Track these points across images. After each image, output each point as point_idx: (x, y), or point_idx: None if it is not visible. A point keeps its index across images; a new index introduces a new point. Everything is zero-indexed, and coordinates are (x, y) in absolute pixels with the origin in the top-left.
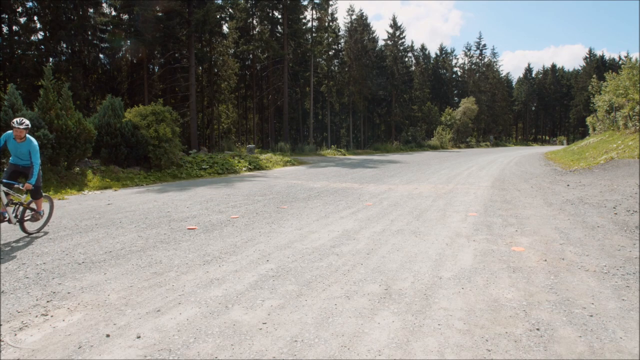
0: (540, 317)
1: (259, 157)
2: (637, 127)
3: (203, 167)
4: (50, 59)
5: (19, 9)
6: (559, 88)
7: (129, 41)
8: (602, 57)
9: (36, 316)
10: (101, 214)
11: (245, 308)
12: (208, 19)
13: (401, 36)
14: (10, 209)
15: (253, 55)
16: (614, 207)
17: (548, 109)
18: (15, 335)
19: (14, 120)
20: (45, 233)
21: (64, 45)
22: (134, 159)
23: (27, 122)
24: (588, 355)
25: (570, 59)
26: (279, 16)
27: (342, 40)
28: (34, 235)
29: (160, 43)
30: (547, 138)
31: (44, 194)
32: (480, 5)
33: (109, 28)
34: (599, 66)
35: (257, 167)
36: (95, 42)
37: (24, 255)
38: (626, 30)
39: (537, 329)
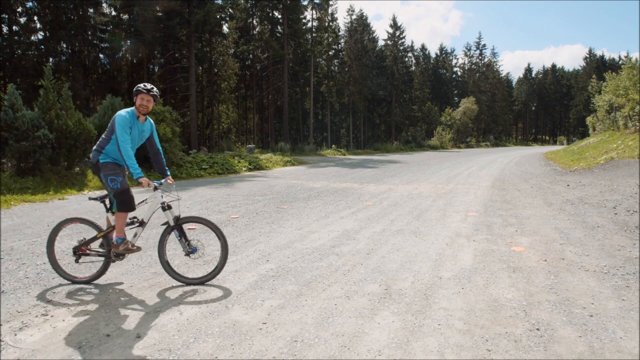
0: (540, 317)
1: (259, 157)
2: (637, 127)
3: (203, 167)
4: (50, 59)
5: (19, 9)
6: (559, 88)
7: (129, 41)
8: (602, 57)
9: (36, 316)
10: (101, 214)
11: (245, 308)
12: (208, 19)
13: (401, 36)
14: (134, 232)
15: (253, 55)
16: (614, 207)
17: (548, 109)
18: (15, 335)
19: (141, 85)
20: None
21: (64, 45)
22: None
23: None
24: (588, 355)
25: (570, 59)
26: (279, 16)
27: (342, 40)
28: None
29: (160, 43)
30: (547, 138)
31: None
32: (480, 5)
33: (109, 28)
34: (599, 66)
35: (257, 167)
36: (95, 42)
37: (24, 255)
38: (626, 30)
39: (537, 329)
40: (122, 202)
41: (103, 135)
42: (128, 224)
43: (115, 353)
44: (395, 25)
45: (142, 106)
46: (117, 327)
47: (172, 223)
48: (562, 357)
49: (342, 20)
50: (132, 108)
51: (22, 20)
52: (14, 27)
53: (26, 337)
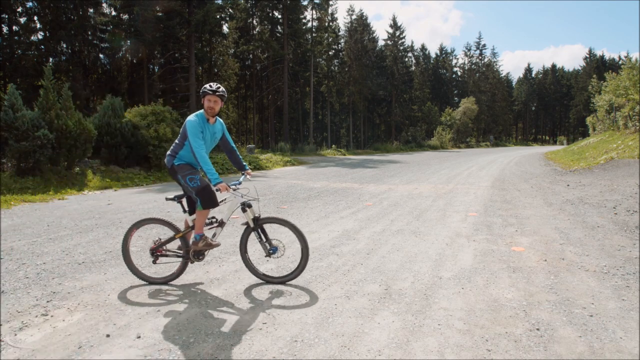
0: (540, 317)
1: (259, 157)
2: (637, 127)
3: None
4: (50, 59)
5: (19, 9)
6: (559, 88)
7: (129, 41)
8: (602, 57)
9: (36, 316)
10: (101, 214)
11: (245, 308)
12: (208, 19)
13: (401, 36)
14: (213, 231)
15: (253, 55)
16: (614, 207)
17: (548, 109)
18: (15, 335)
19: (206, 86)
20: None
21: (64, 45)
22: (134, 159)
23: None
24: (588, 355)
25: (570, 59)
26: (279, 16)
27: (342, 40)
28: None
29: (160, 43)
30: (547, 138)
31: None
32: (480, 5)
33: (109, 28)
34: (599, 66)
35: (257, 167)
36: (95, 42)
37: (24, 255)
38: (626, 30)
39: (537, 329)
40: (205, 199)
41: (176, 141)
42: (207, 224)
43: (115, 353)
44: (395, 25)
45: (210, 108)
46: (117, 327)
47: (251, 224)
48: (562, 357)
49: (342, 20)
50: (202, 111)
51: (22, 20)
52: (14, 27)
53: (26, 337)
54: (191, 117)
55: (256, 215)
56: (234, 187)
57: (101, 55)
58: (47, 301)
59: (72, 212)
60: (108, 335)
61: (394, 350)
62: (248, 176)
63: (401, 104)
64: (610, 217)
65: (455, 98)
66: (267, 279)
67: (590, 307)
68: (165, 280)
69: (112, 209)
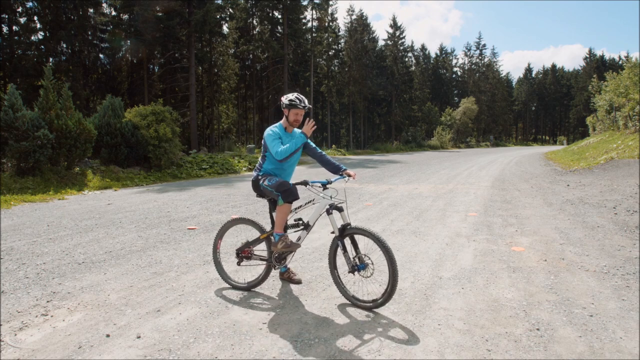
0: (540, 317)
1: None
2: (637, 127)
3: (203, 167)
4: (50, 59)
5: (19, 9)
6: (559, 88)
7: (129, 41)
8: (602, 57)
9: (36, 316)
10: (101, 214)
11: (245, 308)
12: (208, 19)
13: (401, 36)
14: (298, 235)
15: (253, 55)
16: (614, 207)
17: (548, 109)
18: (15, 335)
19: (294, 99)
20: None
21: (64, 45)
22: (134, 159)
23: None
24: (588, 355)
25: (570, 59)
26: (279, 16)
27: (342, 40)
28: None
29: (160, 43)
30: (547, 138)
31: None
32: (480, 5)
33: (109, 28)
34: (599, 66)
35: None
36: (95, 42)
37: (24, 255)
38: (626, 30)
39: (537, 329)
40: (284, 192)
41: (259, 159)
42: (293, 226)
43: (115, 353)
44: (395, 25)
45: (296, 120)
46: (117, 327)
47: (336, 232)
48: (562, 357)
49: (342, 20)
50: (279, 123)
51: (22, 20)
52: (14, 27)
53: (26, 337)
54: (269, 129)
55: (344, 223)
56: (318, 185)
57: (101, 55)
58: (47, 301)
59: (72, 212)
60: (108, 335)
61: (394, 350)
62: (351, 178)
63: (401, 104)
64: (610, 217)
65: (455, 98)
66: (355, 302)
67: (590, 307)
68: (246, 287)
69: (112, 209)
